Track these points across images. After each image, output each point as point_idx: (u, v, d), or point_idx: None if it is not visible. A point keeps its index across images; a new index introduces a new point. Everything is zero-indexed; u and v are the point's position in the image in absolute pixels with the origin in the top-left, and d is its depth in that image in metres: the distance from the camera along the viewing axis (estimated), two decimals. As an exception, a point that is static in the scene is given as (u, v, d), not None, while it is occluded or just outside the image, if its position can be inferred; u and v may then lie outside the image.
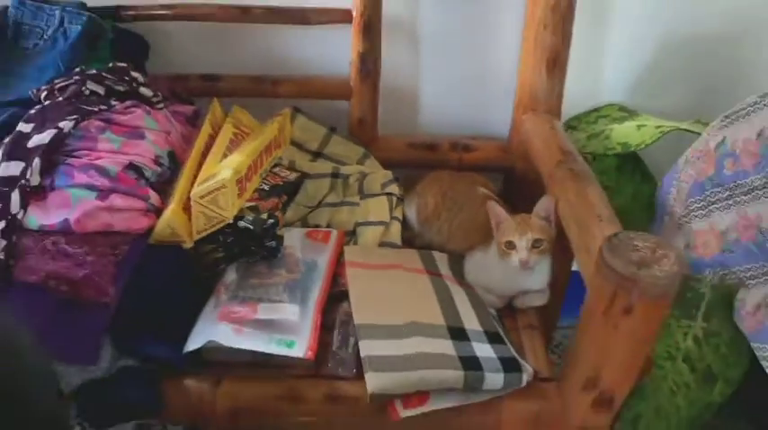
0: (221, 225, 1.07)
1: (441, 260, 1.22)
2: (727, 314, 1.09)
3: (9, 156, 0.98)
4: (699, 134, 1.19)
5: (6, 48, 1.25)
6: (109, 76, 1.15)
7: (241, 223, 1.09)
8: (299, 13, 1.34)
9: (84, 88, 1.12)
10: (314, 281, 1.11)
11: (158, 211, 1.05)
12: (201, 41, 1.41)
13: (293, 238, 1.20)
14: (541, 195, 1.12)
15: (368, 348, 0.99)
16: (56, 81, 1.13)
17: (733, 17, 1.40)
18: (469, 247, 1.21)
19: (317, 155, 1.40)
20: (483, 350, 1.00)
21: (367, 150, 1.41)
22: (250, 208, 1.13)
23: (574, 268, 1.19)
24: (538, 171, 1.23)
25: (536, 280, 1.14)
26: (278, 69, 1.41)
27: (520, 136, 1.37)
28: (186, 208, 1.05)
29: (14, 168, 0.97)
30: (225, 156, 1.16)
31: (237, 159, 1.13)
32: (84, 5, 1.27)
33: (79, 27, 1.23)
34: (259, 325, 1.00)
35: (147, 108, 1.15)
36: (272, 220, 1.12)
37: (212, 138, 1.22)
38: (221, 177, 1.06)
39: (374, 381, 0.94)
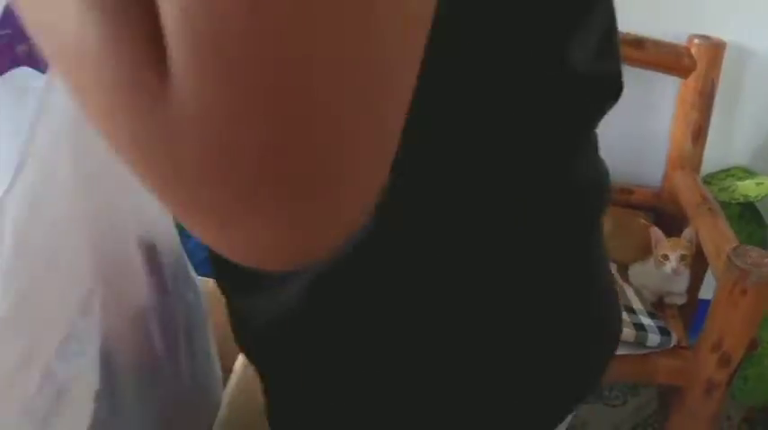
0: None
1: (611, 267, 1.76)
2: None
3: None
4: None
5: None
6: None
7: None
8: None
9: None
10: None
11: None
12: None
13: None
14: (683, 228, 1.65)
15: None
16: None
17: None
18: (633, 259, 1.75)
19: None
20: (646, 320, 1.54)
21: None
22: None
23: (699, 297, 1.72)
24: (683, 211, 1.76)
25: (680, 284, 1.67)
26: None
27: (672, 186, 1.90)
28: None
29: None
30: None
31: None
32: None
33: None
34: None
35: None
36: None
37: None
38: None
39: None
